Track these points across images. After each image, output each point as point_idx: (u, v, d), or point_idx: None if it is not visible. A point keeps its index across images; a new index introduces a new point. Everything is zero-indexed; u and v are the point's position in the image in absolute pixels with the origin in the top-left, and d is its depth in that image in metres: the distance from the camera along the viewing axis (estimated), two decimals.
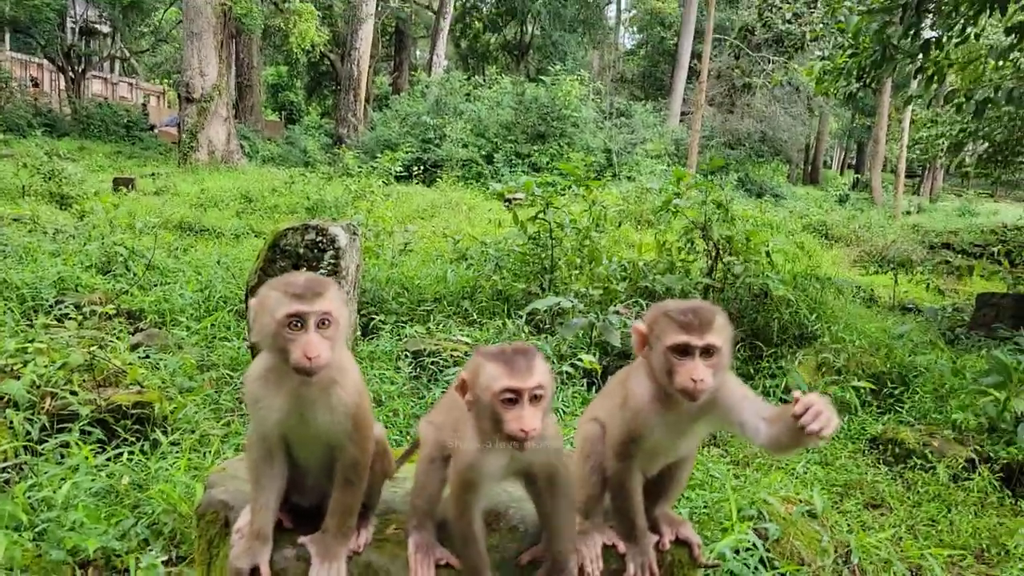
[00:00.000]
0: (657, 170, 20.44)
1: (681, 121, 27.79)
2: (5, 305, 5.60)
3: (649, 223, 13.02)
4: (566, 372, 5.29)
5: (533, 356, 1.83)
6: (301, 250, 5.48)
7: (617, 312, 5.88)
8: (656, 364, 1.95)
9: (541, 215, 7.08)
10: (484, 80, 24.38)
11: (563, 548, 1.98)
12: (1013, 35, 7.23)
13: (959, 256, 17.67)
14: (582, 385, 5.30)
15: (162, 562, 2.71)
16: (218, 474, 2.14)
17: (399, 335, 6.04)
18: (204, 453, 3.81)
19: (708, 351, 1.88)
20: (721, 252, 6.95)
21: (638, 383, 2.02)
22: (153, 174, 17.94)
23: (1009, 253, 16.05)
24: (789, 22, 22.24)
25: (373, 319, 6.35)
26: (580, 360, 5.26)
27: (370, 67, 26.27)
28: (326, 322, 1.85)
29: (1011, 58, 8.31)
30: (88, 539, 2.58)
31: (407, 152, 18.65)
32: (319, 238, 5.54)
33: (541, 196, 7.05)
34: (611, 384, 2.20)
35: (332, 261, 5.55)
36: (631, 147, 22.00)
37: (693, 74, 27.22)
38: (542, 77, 22.45)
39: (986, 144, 16.05)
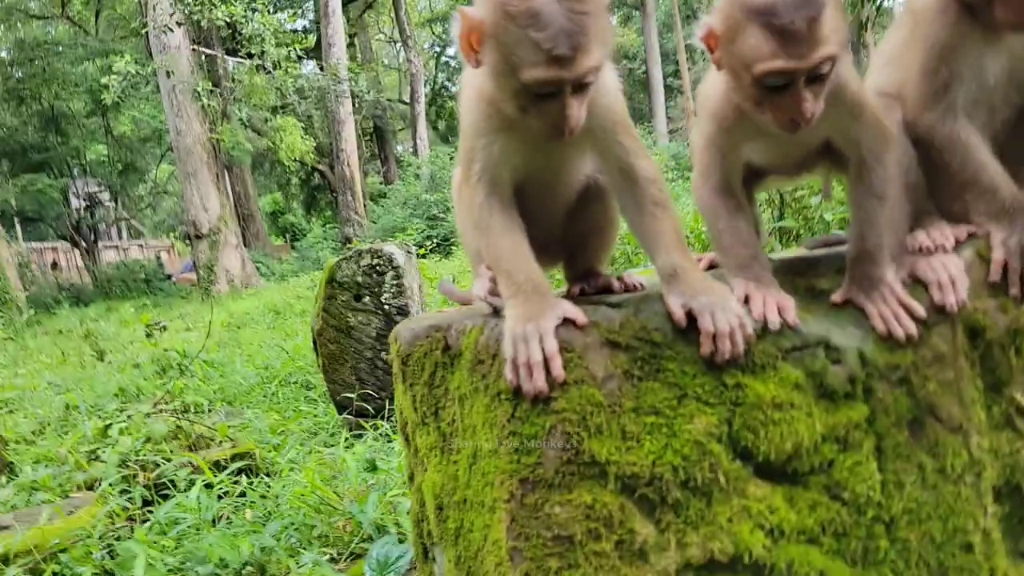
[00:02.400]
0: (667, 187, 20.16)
1: (671, 140, 27.79)
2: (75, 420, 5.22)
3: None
4: None
5: (820, 9, 1.31)
6: (360, 278, 5.09)
7: None
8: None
9: None
10: None
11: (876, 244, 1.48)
12: None
13: None
14: None
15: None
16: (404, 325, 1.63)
17: None
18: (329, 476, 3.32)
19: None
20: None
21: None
22: (181, 315, 17.94)
23: None
24: None
25: None
26: None
27: (360, 166, 26.53)
28: (586, 86, 1.37)
29: None
30: (239, 542, 2.06)
31: (415, 232, 18.58)
32: (376, 261, 5.15)
33: None
34: (888, 43, 1.72)
35: (395, 282, 5.15)
36: None
37: (670, 93, 27.41)
38: None
39: None
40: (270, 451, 4.08)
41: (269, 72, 18.68)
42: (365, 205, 26.34)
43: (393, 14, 30.01)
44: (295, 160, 21.45)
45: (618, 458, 1.24)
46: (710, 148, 1.58)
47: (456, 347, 1.44)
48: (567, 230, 1.71)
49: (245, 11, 16.88)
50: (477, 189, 1.50)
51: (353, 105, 24.33)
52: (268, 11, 18.83)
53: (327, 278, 5.17)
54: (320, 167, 29.77)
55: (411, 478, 1.70)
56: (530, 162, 1.53)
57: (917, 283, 1.46)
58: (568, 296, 1.60)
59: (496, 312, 1.47)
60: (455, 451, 1.45)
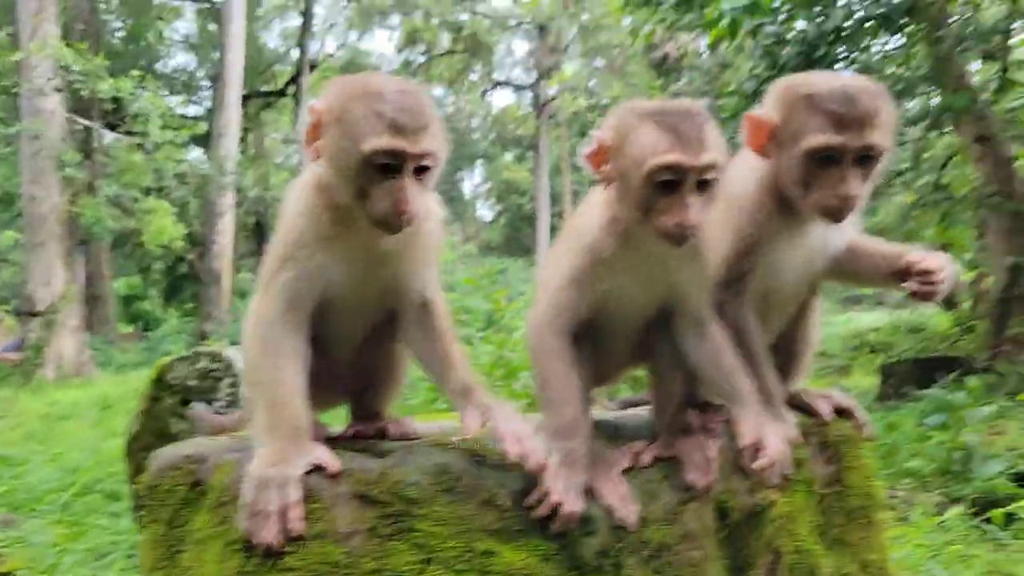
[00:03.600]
0: None
1: None
2: None
3: None
4: None
5: (707, 119, 1.40)
6: (192, 382, 4.80)
7: None
8: (788, 169, 1.55)
9: None
10: None
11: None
12: None
13: (833, 359, 18.76)
14: None
15: None
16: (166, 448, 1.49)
17: None
18: None
19: (866, 156, 1.47)
20: None
21: (745, 178, 1.63)
22: None
23: (874, 348, 17.15)
24: None
25: None
26: None
27: (232, 261, 25.66)
28: (426, 168, 1.39)
29: None
30: None
31: None
32: (213, 365, 4.89)
33: None
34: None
35: (230, 390, 4.89)
36: (509, 301, 22.32)
37: (554, 232, 28.61)
38: None
39: None
40: (41, 574, 3.63)
41: (149, 153, 18.15)
42: (231, 302, 25.35)
43: (294, 115, 30.25)
44: (161, 246, 20.49)
45: None
46: (572, 285, 1.56)
47: (207, 483, 1.34)
48: (358, 363, 1.67)
49: (134, 88, 16.52)
50: (274, 303, 1.44)
51: (235, 199, 23.86)
52: (160, 92, 18.52)
53: (155, 377, 4.86)
54: (189, 256, 28.64)
55: None
56: (346, 279, 1.48)
57: (675, 460, 1.51)
58: (344, 436, 1.54)
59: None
60: None
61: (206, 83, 28.33)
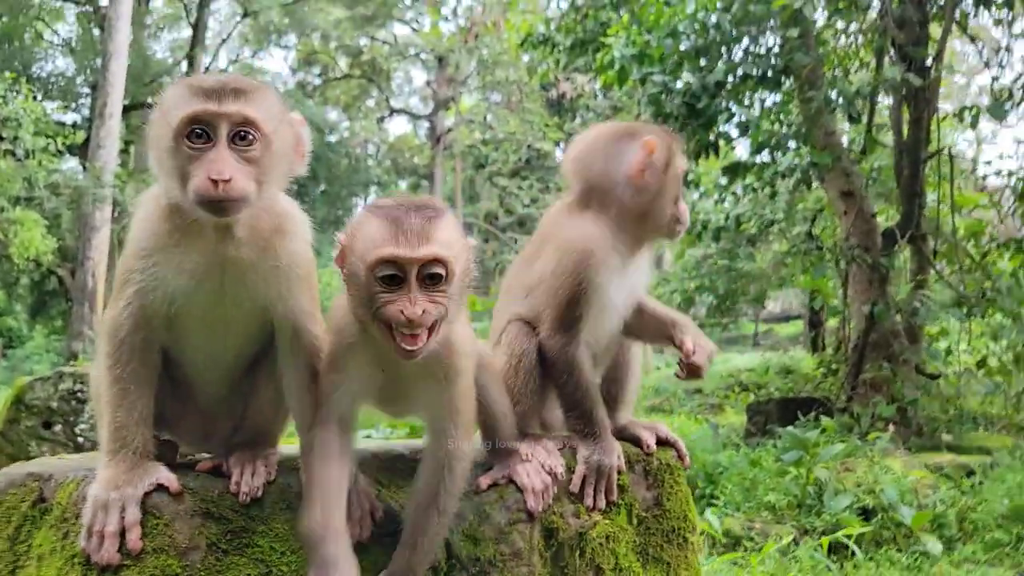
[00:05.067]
0: None
1: None
2: None
3: None
4: None
5: (437, 215, 1.37)
6: (54, 403, 4.60)
7: None
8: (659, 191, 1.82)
9: None
10: None
11: (508, 439, 1.68)
12: (726, 175, 8.50)
13: (708, 396, 19.66)
14: None
15: None
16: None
17: None
18: None
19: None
20: None
21: (580, 228, 1.79)
22: None
23: (747, 387, 18.09)
24: (527, 206, 24.58)
25: None
26: None
27: (107, 279, 24.36)
28: (246, 135, 1.30)
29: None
30: None
31: None
32: (77, 387, 4.70)
33: None
34: (531, 275, 1.91)
35: (93, 415, 4.71)
36: None
37: None
38: None
39: (711, 297, 18.48)
40: None
41: (20, 160, 17.08)
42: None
43: None
44: (29, 259, 19.23)
45: None
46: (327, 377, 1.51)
47: (51, 500, 1.34)
48: (228, 390, 1.60)
49: (6, 91, 15.59)
50: (118, 320, 1.38)
51: (113, 213, 22.74)
52: (34, 96, 17.50)
53: (13, 397, 4.62)
54: (59, 271, 26.96)
55: None
56: (193, 292, 1.40)
57: (511, 484, 1.63)
58: (191, 464, 1.52)
59: None
60: None
61: (85, 90, 26.96)
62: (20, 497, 1.37)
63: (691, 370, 1.86)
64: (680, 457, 1.93)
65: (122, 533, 1.23)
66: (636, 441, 1.91)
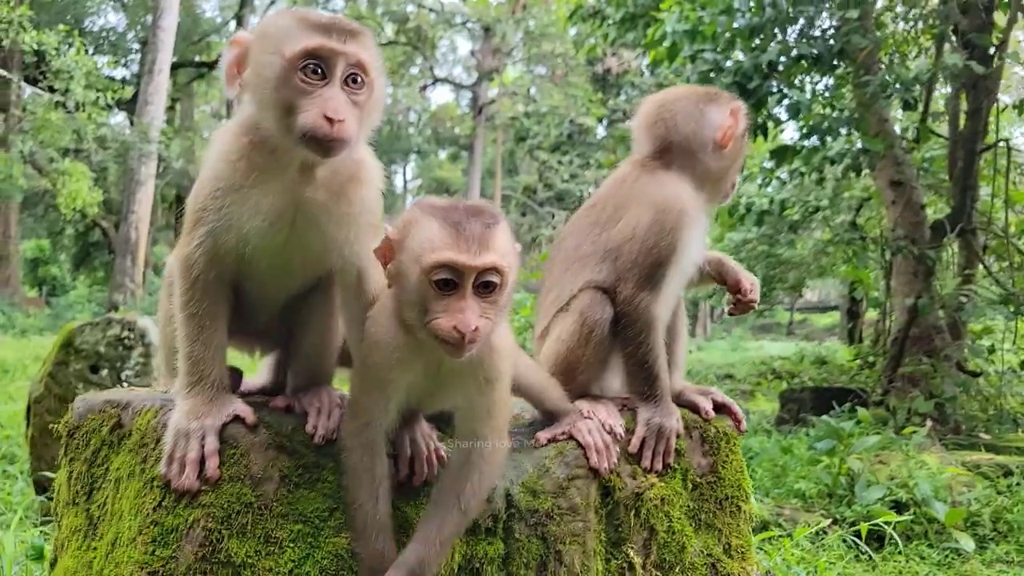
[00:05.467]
0: None
1: None
2: None
3: None
4: None
5: (495, 222, 1.33)
6: (102, 348, 4.71)
7: None
8: (735, 157, 1.92)
9: None
10: None
11: (559, 403, 1.71)
12: (774, 158, 8.36)
13: (740, 382, 19.60)
14: None
15: None
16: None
17: None
18: None
19: None
20: None
21: (667, 185, 1.81)
22: None
23: (780, 375, 17.99)
24: (567, 181, 24.45)
25: None
26: None
27: (149, 233, 24.82)
28: (358, 79, 1.29)
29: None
30: None
31: None
32: (125, 333, 4.81)
33: None
34: (595, 230, 1.92)
35: (141, 359, 4.83)
36: None
37: None
38: None
39: None
40: None
41: (70, 112, 17.37)
42: (145, 274, 24.49)
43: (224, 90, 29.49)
44: (75, 210, 19.65)
45: (255, 561, 1.25)
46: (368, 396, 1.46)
47: (128, 426, 1.40)
48: (286, 326, 1.64)
49: (59, 43, 15.80)
50: (192, 258, 1.40)
51: (157, 169, 23.11)
52: (86, 50, 17.75)
53: (62, 341, 4.74)
54: (103, 223, 27.54)
55: (53, 564, 1.57)
56: (267, 232, 1.41)
57: (571, 440, 1.66)
58: (255, 397, 1.57)
59: None
60: (98, 537, 1.37)
61: (135, 46, 27.30)
62: (100, 421, 1.43)
63: (745, 306, 1.92)
64: (736, 422, 1.93)
65: (201, 461, 1.27)
66: (694, 407, 1.91)
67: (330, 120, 1.26)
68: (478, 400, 1.45)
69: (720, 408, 1.95)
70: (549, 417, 1.79)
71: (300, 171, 1.38)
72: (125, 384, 4.72)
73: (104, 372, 4.70)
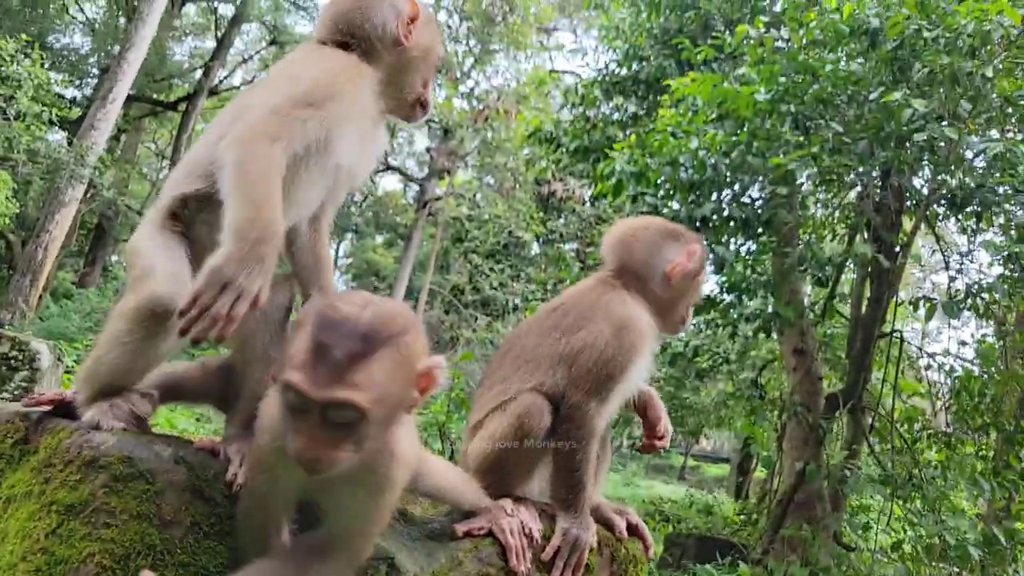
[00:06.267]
0: None
1: None
2: None
3: None
4: None
5: (367, 351, 1.17)
6: None
7: None
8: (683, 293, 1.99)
9: None
10: None
11: (477, 500, 1.73)
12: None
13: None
14: None
15: None
16: None
17: None
18: None
19: None
20: (455, 453, 6.99)
21: (630, 306, 1.89)
22: None
23: (668, 518, 18.12)
24: (495, 288, 24.78)
25: None
26: None
27: (58, 256, 23.67)
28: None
29: None
30: None
31: (82, 347, 16.64)
32: (13, 353, 4.59)
33: None
34: (572, 345, 1.97)
35: (24, 384, 4.58)
36: None
37: None
38: None
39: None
40: None
41: (8, 118, 16.85)
42: (41, 297, 23.19)
43: (175, 133, 29.18)
44: None
45: None
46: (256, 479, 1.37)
47: (35, 443, 1.35)
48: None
49: (16, 52, 15.52)
50: (279, 131, 1.46)
51: (85, 194, 22.35)
52: (42, 64, 17.44)
53: None
54: (11, 236, 26.19)
55: None
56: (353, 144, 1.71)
57: (488, 536, 1.68)
58: None
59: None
60: None
61: (95, 71, 26.93)
62: (3, 433, 1.38)
63: (652, 447, 2.01)
64: (646, 548, 1.98)
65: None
66: (608, 524, 1.96)
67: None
68: (360, 505, 1.34)
69: (632, 530, 2.01)
70: (466, 516, 1.81)
71: None
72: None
73: None
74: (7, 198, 18.43)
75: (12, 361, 4.61)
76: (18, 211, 21.44)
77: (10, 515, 1.25)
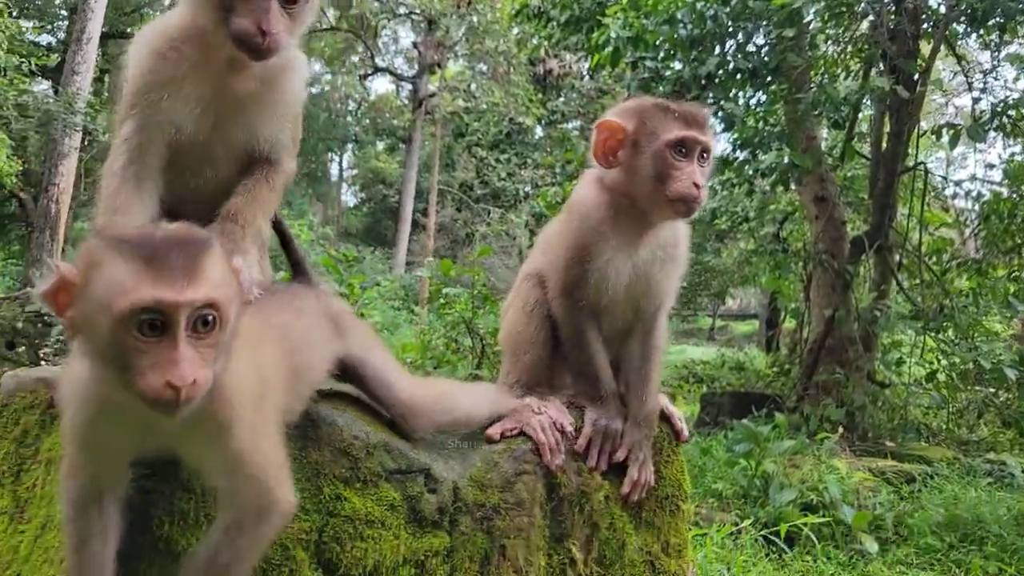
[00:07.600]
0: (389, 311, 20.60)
1: (407, 270, 28.64)
2: None
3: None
4: None
5: (203, 248, 1.11)
6: (20, 324, 4.53)
7: None
8: (643, 168, 1.72)
9: None
10: None
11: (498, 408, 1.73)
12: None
13: (663, 385, 20.09)
14: None
15: None
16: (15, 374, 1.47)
17: None
18: None
19: (704, 154, 1.73)
20: (487, 348, 7.04)
21: (586, 190, 1.83)
22: None
23: (700, 379, 18.51)
24: (503, 179, 24.49)
25: None
26: None
27: (71, 207, 23.69)
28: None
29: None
30: None
31: None
32: (48, 309, 4.62)
33: None
34: (546, 235, 1.98)
35: (62, 338, 4.65)
36: (363, 291, 22.06)
37: (416, 227, 28.55)
38: None
39: None
40: None
41: None
42: (64, 250, 23.41)
43: None
44: None
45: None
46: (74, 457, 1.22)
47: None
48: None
49: None
50: (119, 157, 1.46)
51: (82, 141, 22.10)
52: (9, 13, 16.86)
53: None
54: (21, 195, 26.18)
55: None
56: (196, 126, 1.46)
57: (520, 435, 1.68)
58: None
59: None
60: (26, 520, 1.32)
61: (63, 12, 26.03)
62: (31, 400, 1.38)
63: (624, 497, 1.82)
64: (675, 433, 1.98)
65: None
66: None
67: (262, 30, 1.35)
68: (215, 458, 1.20)
69: (665, 417, 2.00)
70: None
71: (229, 64, 1.43)
72: (44, 362, 4.54)
73: (22, 349, 4.52)
74: (8, 157, 18.28)
75: (47, 316, 4.67)
76: (22, 168, 21.32)
77: (52, 477, 1.27)
